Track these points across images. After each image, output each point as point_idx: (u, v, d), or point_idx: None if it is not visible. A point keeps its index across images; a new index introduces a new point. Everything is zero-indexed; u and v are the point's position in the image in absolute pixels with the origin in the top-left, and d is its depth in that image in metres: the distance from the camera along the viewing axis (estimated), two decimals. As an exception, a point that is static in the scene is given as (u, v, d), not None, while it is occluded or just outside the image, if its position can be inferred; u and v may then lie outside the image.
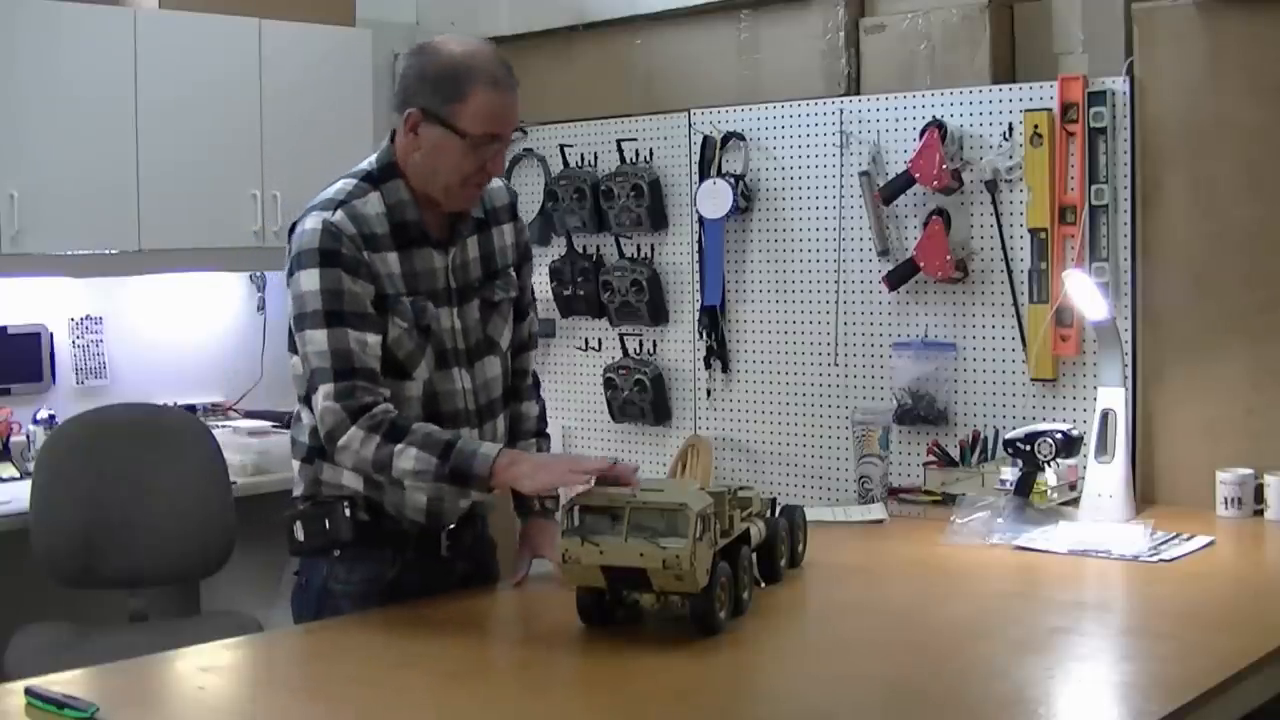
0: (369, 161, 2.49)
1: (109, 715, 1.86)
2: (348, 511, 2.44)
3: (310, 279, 2.36)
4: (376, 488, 2.44)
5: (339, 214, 2.38)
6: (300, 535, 2.50)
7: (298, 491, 2.55)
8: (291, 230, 2.44)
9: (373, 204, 2.42)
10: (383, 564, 2.47)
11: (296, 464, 2.54)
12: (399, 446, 2.31)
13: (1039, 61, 3.58)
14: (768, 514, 2.53)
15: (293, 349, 2.44)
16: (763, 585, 2.47)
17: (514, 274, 2.61)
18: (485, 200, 2.56)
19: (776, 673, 2.13)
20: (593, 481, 2.27)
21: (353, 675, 2.12)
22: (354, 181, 2.45)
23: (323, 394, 2.34)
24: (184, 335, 4.61)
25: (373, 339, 2.37)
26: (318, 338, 2.35)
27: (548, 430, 2.75)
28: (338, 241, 2.36)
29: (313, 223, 2.38)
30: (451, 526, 2.51)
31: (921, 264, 3.64)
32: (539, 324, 3.21)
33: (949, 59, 3.68)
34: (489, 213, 2.58)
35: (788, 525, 2.61)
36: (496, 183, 2.59)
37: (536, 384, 2.75)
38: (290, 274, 2.40)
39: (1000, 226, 3.56)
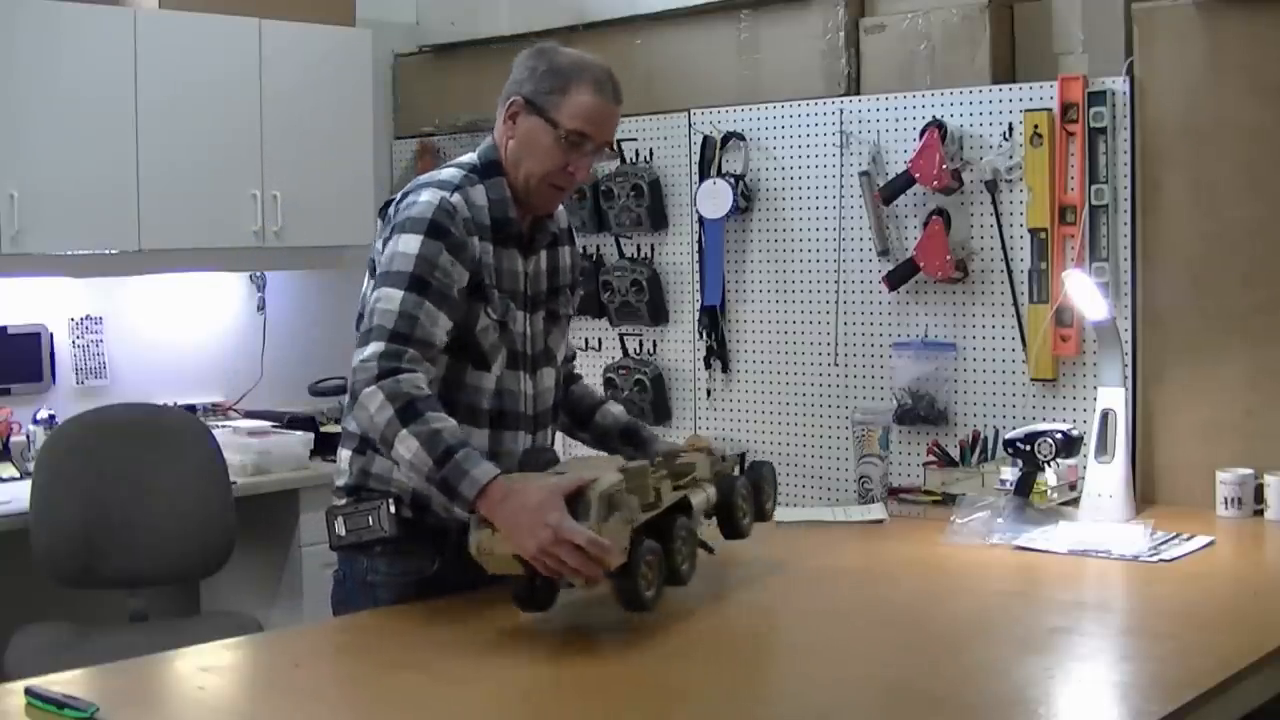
0: (471, 157, 2.53)
1: (109, 715, 1.86)
2: (392, 508, 2.40)
3: (411, 243, 2.36)
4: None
5: (456, 196, 2.42)
6: (341, 530, 2.45)
7: (341, 481, 2.51)
8: (389, 205, 2.47)
9: (479, 195, 2.46)
10: (423, 559, 2.44)
11: (346, 453, 2.50)
12: (404, 431, 2.23)
13: (1039, 61, 3.58)
14: (734, 471, 2.54)
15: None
16: (714, 551, 2.48)
17: (569, 294, 2.67)
18: (559, 220, 2.62)
19: (776, 673, 2.13)
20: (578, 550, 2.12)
21: (353, 676, 2.12)
22: (463, 172, 2.49)
23: (369, 350, 2.29)
24: (184, 335, 4.61)
25: (444, 320, 2.35)
26: (393, 295, 2.32)
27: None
28: (450, 219, 2.39)
29: (430, 196, 2.41)
30: None
31: (921, 264, 3.64)
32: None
33: (949, 59, 3.68)
34: (559, 232, 2.63)
35: (751, 483, 2.59)
36: (561, 208, 2.65)
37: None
38: (388, 239, 2.40)
39: (1000, 226, 3.56)
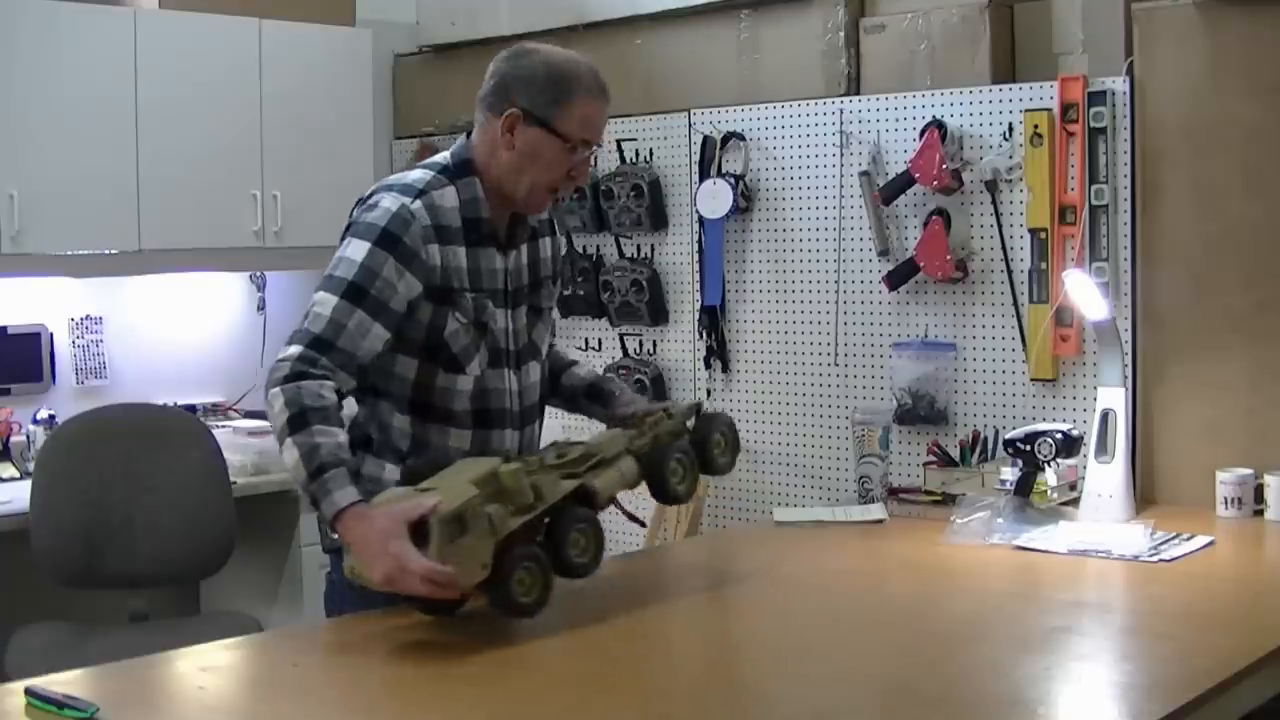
0: (444, 156, 2.51)
1: (109, 715, 1.86)
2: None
3: (359, 250, 2.36)
4: (413, 483, 2.37)
5: (418, 203, 2.41)
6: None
7: None
8: (359, 203, 2.46)
9: (449, 197, 2.45)
10: None
11: None
12: (289, 440, 2.26)
13: (1039, 61, 3.58)
14: (682, 426, 2.51)
15: None
16: (644, 524, 2.53)
17: (551, 285, 2.66)
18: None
19: (776, 673, 2.13)
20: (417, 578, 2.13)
21: (352, 675, 2.12)
22: (432, 174, 2.48)
23: (289, 350, 2.31)
24: (184, 335, 4.61)
25: (378, 331, 2.35)
26: (328, 301, 2.33)
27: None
28: (405, 228, 2.37)
29: (391, 202, 2.40)
30: None
31: (921, 264, 3.64)
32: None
33: (949, 59, 3.68)
34: (539, 224, 2.62)
35: (696, 442, 2.51)
36: None
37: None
38: (343, 239, 2.42)
39: (1000, 226, 3.56)
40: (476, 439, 2.48)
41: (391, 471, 2.44)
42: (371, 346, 2.35)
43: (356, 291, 2.33)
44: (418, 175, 2.47)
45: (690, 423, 2.53)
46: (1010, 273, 3.55)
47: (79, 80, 3.97)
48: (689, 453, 2.49)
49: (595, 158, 2.65)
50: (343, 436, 2.27)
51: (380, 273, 2.35)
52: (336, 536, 2.24)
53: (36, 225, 3.89)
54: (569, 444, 2.40)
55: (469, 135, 2.51)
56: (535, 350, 2.60)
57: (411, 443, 2.46)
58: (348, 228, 2.43)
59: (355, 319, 2.33)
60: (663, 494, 2.48)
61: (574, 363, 2.79)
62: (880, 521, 3.20)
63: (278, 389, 2.28)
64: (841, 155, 3.84)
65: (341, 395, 2.33)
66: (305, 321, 2.35)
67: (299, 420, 2.25)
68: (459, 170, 2.48)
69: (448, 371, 2.45)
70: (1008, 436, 3.14)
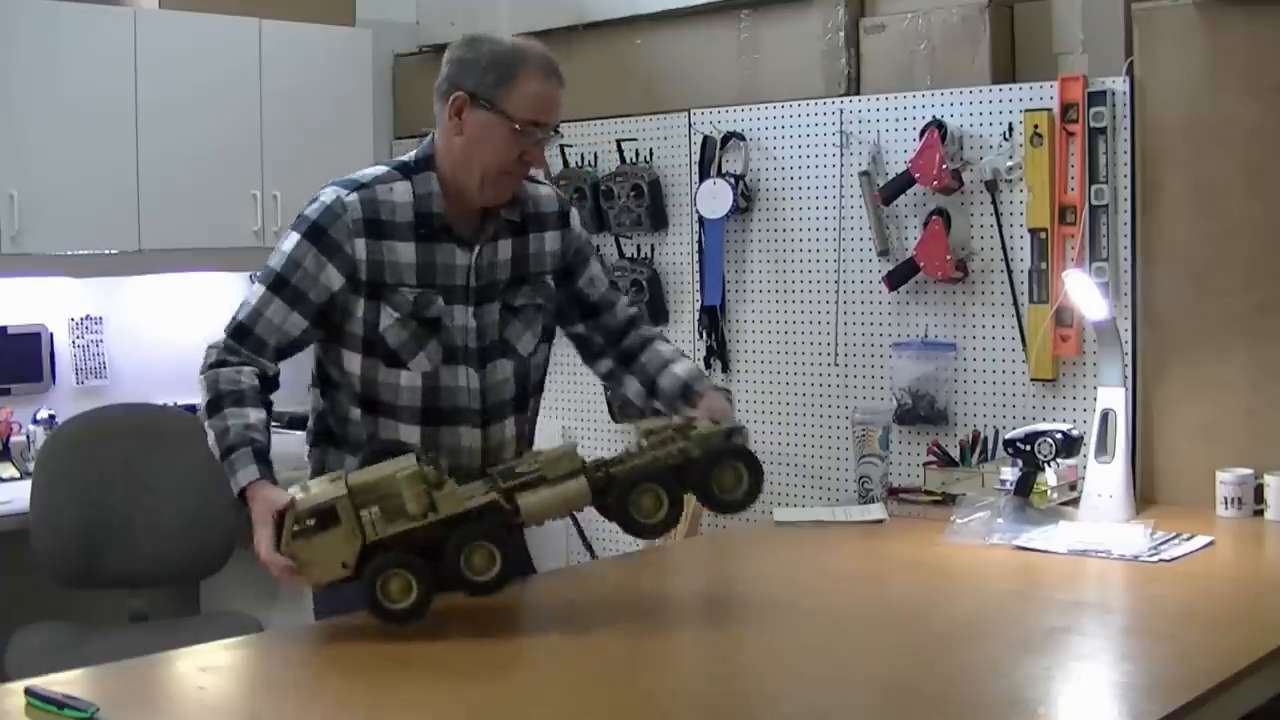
0: (411, 153, 2.53)
1: (109, 715, 1.86)
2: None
3: (289, 241, 2.45)
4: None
5: (353, 196, 2.44)
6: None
7: (307, 475, 2.58)
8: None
9: (399, 192, 2.46)
10: None
11: (307, 447, 2.61)
12: (207, 423, 2.39)
13: (1039, 61, 3.58)
14: (706, 449, 2.31)
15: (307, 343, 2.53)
16: (594, 555, 2.44)
17: (551, 281, 2.62)
18: (528, 204, 2.58)
19: (776, 673, 2.13)
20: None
21: (353, 675, 2.12)
22: (387, 168, 2.50)
23: (217, 338, 2.47)
24: (184, 335, 4.60)
25: (296, 319, 2.44)
26: (256, 291, 2.46)
27: (684, 354, 2.75)
28: (332, 222, 2.42)
29: (328, 195, 2.46)
30: None
31: (921, 264, 3.64)
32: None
33: (949, 59, 3.68)
34: (529, 218, 2.58)
35: (702, 468, 2.30)
36: (545, 189, 2.64)
37: (663, 337, 2.79)
38: (290, 227, 2.49)
39: (1000, 226, 3.56)
40: (427, 435, 2.50)
41: (352, 464, 2.45)
42: (288, 333, 2.44)
43: (279, 281, 2.44)
44: (371, 170, 2.50)
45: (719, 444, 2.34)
46: (1010, 273, 3.55)
47: (79, 80, 3.97)
48: (664, 488, 2.29)
49: (552, 146, 2.60)
50: (254, 417, 2.38)
51: (302, 263, 2.42)
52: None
53: (36, 225, 3.89)
54: (537, 454, 2.32)
55: (433, 138, 2.52)
56: (507, 348, 2.57)
57: (366, 436, 2.51)
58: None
59: (273, 307, 2.44)
60: (629, 526, 2.32)
61: (670, 361, 2.68)
62: (880, 521, 3.20)
63: (201, 376, 2.44)
64: (841, 155, 3.84)
65: (267, 378, 2.45)
66: (234, 310, 2.48)
67: (214, 404, 2.39)
68: (418, 166, 2.50)
69: (389, 366, 2.47)
70: (1008, 436, 3.14)
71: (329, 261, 2.42)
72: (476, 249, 2.50)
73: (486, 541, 2.23)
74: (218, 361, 2.43)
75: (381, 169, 2.50)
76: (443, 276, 2.48)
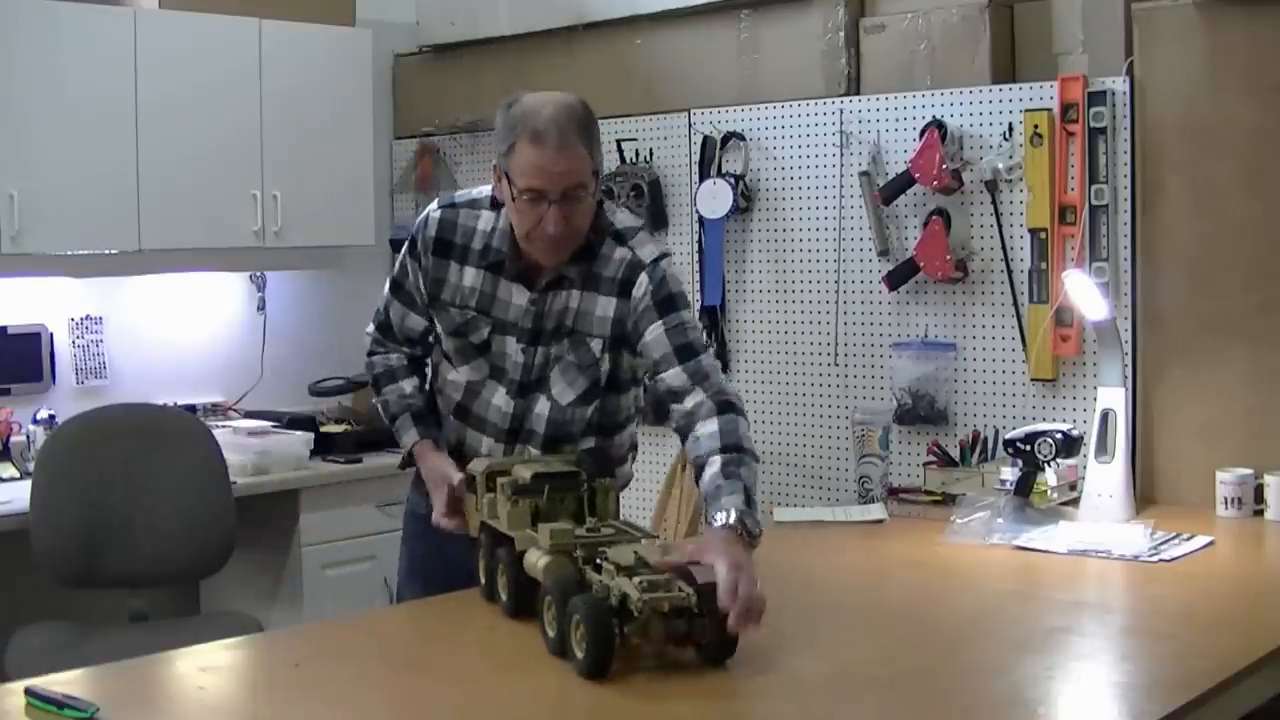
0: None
1: (109, 715, 1.86)
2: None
3: (403, 250, 2.68)
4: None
5: (439, 213, 2.61)
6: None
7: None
8: None
9: (484, 219, 2.58)
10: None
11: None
12: (373, 400, 2.81)
13: (1039, 61, 3.58)
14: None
15: None
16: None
17: (596, 345, 2.54)
18: (597, 265, 2.52)
19: (776, 672, 2.13)
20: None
21: (353, 676, 2.12)
22: (486, 195, 2.60)
23: (369, 330, 2.80)
24: (184, 335, 4.61)
25: (414, 318, 2.69)
26: (385, 294, 2.74)
27: (737, 446, 2.42)
28: (419, 233, 2.63)
29: (429, 207, 2.65)
30: None
31: (921, 264, 3.64)
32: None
33: (949, 59, 3.68)
34: (589, 278, 2.53)
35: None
36: (620, 253, 2.52)
37: (718, 407, 2.46)
38: None
39: (1000, 226, 3.56)
40: (457, 429, 2.69)
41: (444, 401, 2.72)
42: (413, 327, 2.71)
43: (395, 285, 2.71)
44: (480, 190, 2.62)
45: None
46: (1010, 273, 3.55)
47: (79, 80, 3.97)
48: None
49: (587, 195, 2.44)
50: (408, 387, 2.74)
51: (406, 267, 2.66)
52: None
53: (36, 225, 3.89)
54: (628, 531, 2.25)
55: None
56: (546, 387, 2.60)
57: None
58: None
59: (394, 308, 2.72)
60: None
61: (704, 461, 2.41)
62: (880, 521, 3.20)
63: (366, 359, 2.81)
64: (841, 155, 3.84)
65: (415, 359, 2.78)
66: (380, 304, 2.77)
67: (375, 384, 2.79)
68: (498, 202, 2.58)
69: (447, 361, 2.69)
70: (1008, 436, 3.14)
71: (417, 269, 2.63)
72: (544, 295, 2.55)
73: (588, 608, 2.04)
74: (370, 350, 2.79)
75: (481, 194, 2.61)
76: (499, 310, 2.57)
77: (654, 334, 2.50)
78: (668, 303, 2.52)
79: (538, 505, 2.31)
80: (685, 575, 2.08)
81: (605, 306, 2.54)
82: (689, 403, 2.47)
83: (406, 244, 2.66)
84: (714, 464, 2.38)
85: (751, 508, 2.33)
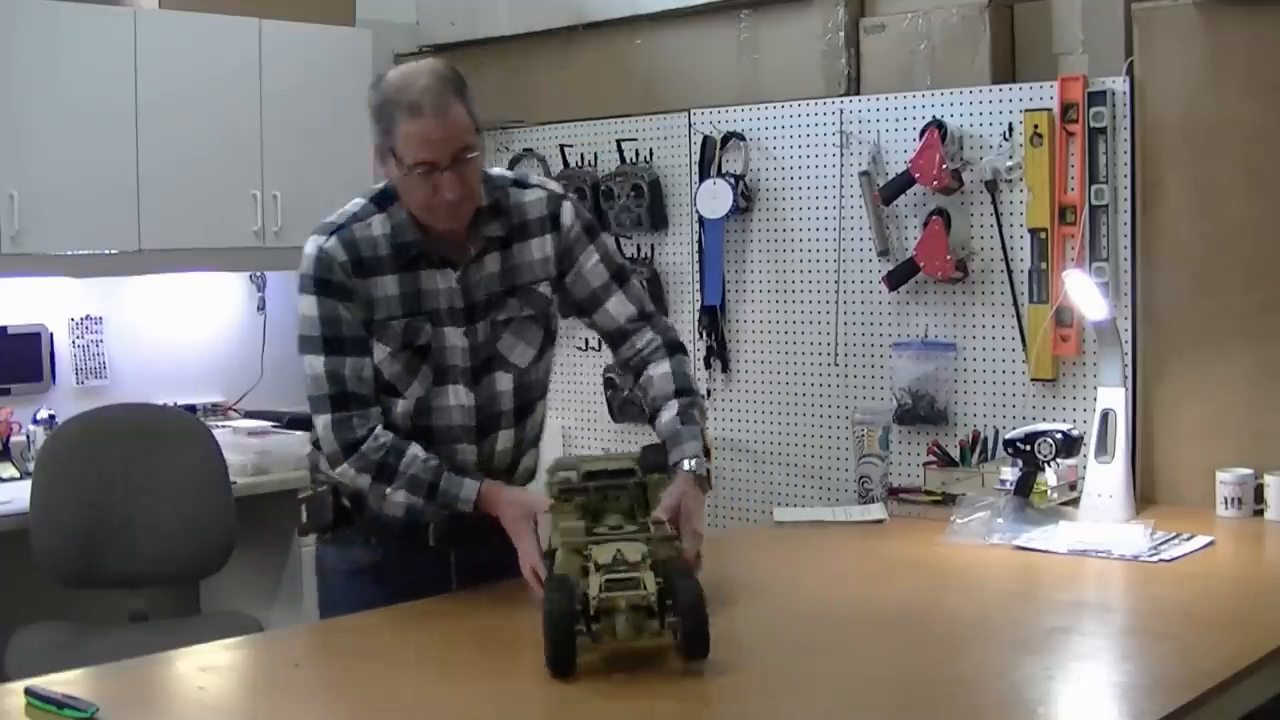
0: (384, 182, 2.52)
1: (109, 715, 1.86)
2: (331, 499, 2.55)
3: (309, 305, 2.46)
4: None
5: (332, 240, 2.46)
6: (304, 518, 2.64)
7: (309, 479, 2.67)
8: None
9: (377, 225, 2.48)
10: (365, 549, 2.56)
11: (309, 449, 2.66)
12: (388, 490, 2.44)
13: (1039, 61, 3.58)
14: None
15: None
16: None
17: (544, 289, 2.57)
18: (514, 214, 2.54)
19: (776, 672, 2.13)
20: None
21: (353, 676, 2.12)
22: (363, 202, 2.51)
23: (320, 423, 2.47)
24: (184, 335, 4.61)
25: (369, 362, 2.47)
26: (316, 364, 2.45)
27: (689, 390, 2.57)
28: (330, 270, 2.44)
29: (310, 247, 2.47)
30: (440, 521, 2.52)
31: (921, 264, 3.64)
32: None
33: (949, 59, 3.68)
34: (515, 229, 2.55)
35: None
36: (531, 194, 2.57)
37: (668, 346, 2.61)
38: (299, 291, 2.49)
39: (1000, 226, 3.56)
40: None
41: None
42: (371, 378, 2.48)
43: (333, 343, 2.45)
44: (347, 208, 2.51)
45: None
46: (1010, 273, 3.55)
47: (79, 80, 3.97)
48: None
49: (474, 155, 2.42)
50: (420, 451, 2.45)
51: (340, 315, 2.45)
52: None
53: (36, 225, 3.89)
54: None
55: None
56: (501, 361, 2.54)
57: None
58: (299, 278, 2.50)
59: (349, 365, 2.45)
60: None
61: (659, 403, 2.55)
62: (880, 521, 3.20)
63: (346, 467, 2.45)
64: (841, 155, 3.84)
65: (388, 424, 2.48)
66: (310, 389, 2.47)
67: (383, 475, 2.44)
68: (392, 195, 2.49)
69: (386, 394, 2.50)
70: (1008, 436, 3.14)
71: (349, 302, 2.45)
72: (460, 270, 2.49)
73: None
74: (347, 444, 2.44)
75: (357, 204, 2.51)
76: (428, 302, 2.48)
77: (590, 260, 2.60)
78: (593, 229, 2.63)
79: (585, 504, 2.29)
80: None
81: (541, 246, 2.57)
82: (639, 341, 2.61)
83: (313, 298, 2.45)
84: (672, 408, 2.54)
85: (706, 454, 2.51)
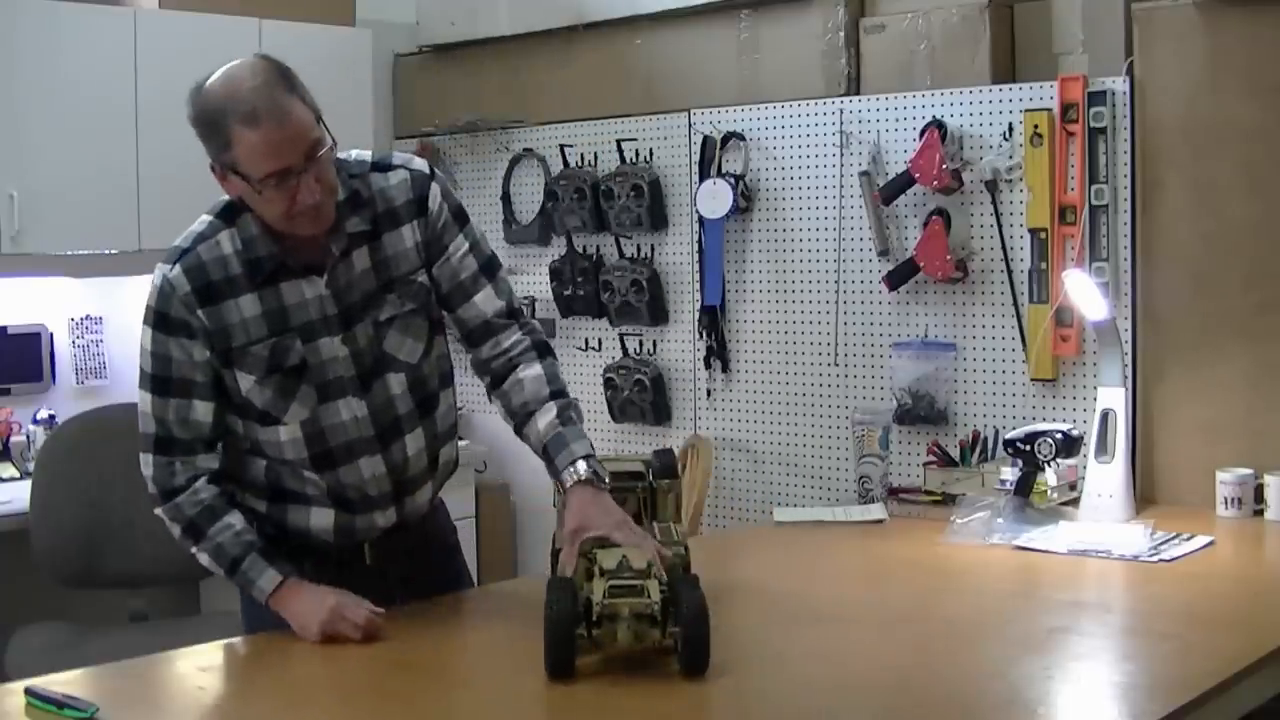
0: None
1: (109, 715, 1.86)
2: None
3: (145, 337, 2.29)
4: (280, 506, 2.36)
5: (176, 269, 2.27)
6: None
7: None
8: None
9: (224, 243, 2.26)
10: (299, 570, 2.32)
11: None
12: (195, 549, 2.30)
13: (1039, 61, 3.58)
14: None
15: None
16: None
17: (421, 278, 2.36)
18: (376, 203, 2.32)
19: (776, 672, 2.13)
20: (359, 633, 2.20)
21: (352, 677, 2.12)
22: (210, 219, 2.29)
23: (143, 462, 2.32)
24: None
25: (200, 405, 2.28)
26: (145, 399, 2.29)
27: (565, 392, 2.37)
28: (168, 303, 2.26)
29: (156, 276, 2.29)
30: (373, 539, 2.40)
31: (921, 264, 3.64)
32: (541, 324, 3.11)
33: (949, 59, 3.68)
34: (380, 218, 2.32)
35: None
36: (395, 175, 2.35)
37: (538, 348, 2.41)
38: (142, 320, 2.31)
39: (1000, 226, 3.56)
40: (330, 479, 2.34)
41: (253, 497, 2.36)
42: (202, 422, 2.29)
43: (159, 384, 2.28)
44: (192, 228, 2.30)
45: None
46: (1010, 273, 3.55)
47: (79, 80, 3.97)
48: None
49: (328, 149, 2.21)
50: (238, 521, 2.29)
51: (170, 354, 2.26)
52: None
53: (36, 225, 3.89)
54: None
55: None
56: (389, 361, 2.34)
57: (268, 484, 2.36)
58: None
59: (172, 407, 2.28)
60: None
61: (531, 406, 2.35)
62: (880, 521, 3.20)
63: (160, 512, 2.32)
64: (841, 155, 3.84)
65: (215, 473, 2.31)
66: (139, 425, 2.31)
67: (193, 532, 2.29)
68: (234, 210, 2.27)
69: (262, 425, 2.31)
70: (1008, 436, 3.14)
71: (186, 340, 2.25)
72: (327, 275, 2.27)
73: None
74: (165, 490, 2.30)
75: (204, 222, 2.29)
76: (296, 316, 2.27)
77: (459, 248, 2.38)
78: (461, 214, 2.41)
79: None
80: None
81: (410, 234, 2.34)
82: (506, 340, 2.39)
83: (149, 331, 2.27)
84: (550, 410, 2.33)
85: (593, 453, 2.30)
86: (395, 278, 2.33)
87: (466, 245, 2.39)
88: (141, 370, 2.30)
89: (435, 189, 2.37)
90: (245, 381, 2.27)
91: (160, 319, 2.27)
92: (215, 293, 2.25)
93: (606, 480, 2.28)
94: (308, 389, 2.29)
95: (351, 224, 2.29)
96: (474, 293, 2.39)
